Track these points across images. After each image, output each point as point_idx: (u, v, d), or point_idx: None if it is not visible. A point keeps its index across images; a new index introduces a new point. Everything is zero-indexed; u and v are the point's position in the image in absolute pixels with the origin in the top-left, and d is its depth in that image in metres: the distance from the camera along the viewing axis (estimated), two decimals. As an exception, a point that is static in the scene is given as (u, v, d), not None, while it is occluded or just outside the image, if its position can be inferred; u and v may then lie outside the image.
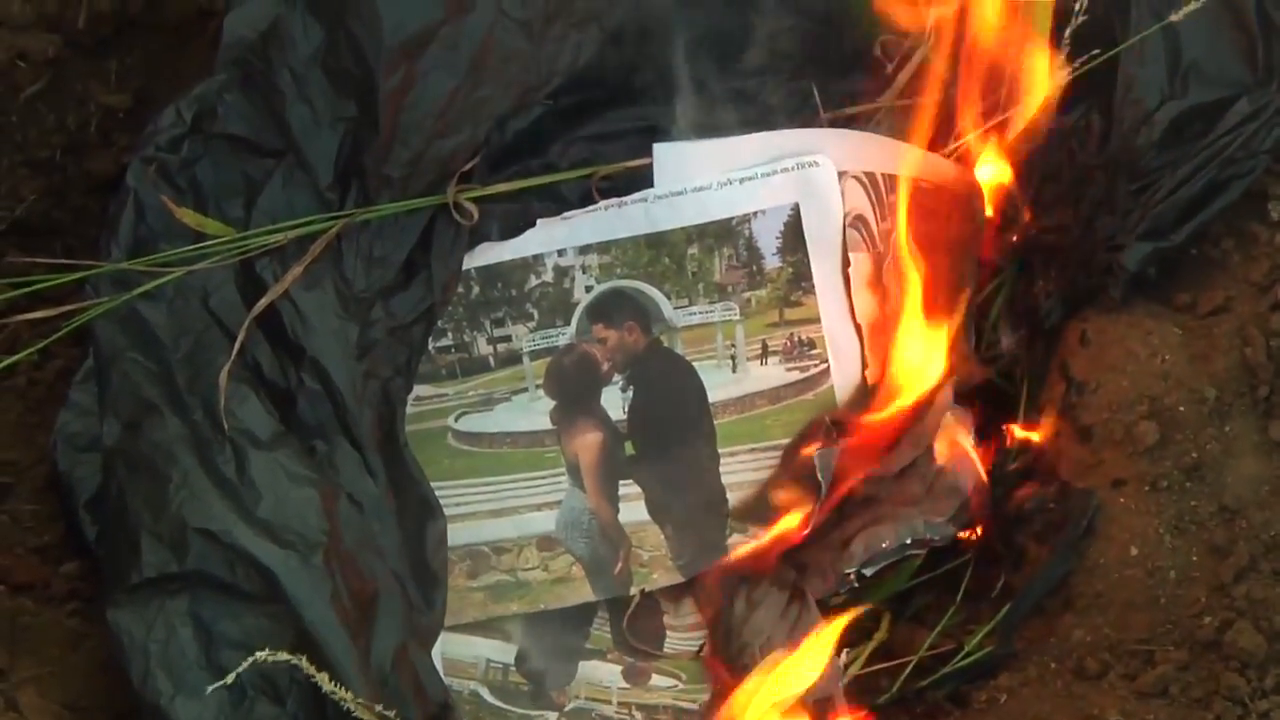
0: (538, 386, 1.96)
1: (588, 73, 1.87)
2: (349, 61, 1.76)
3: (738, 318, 2.00)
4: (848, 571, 1.92)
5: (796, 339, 1.99)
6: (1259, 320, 1.95)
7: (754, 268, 1.99)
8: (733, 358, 1.99)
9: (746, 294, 1.99)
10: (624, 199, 1.94)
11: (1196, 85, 1.97)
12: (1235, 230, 2.02)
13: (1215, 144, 1.97)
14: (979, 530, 1.98)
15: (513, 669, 1.94)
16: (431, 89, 1.77)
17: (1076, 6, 1.92)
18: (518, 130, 1.85)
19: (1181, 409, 1.92)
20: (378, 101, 1.75)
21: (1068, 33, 1.93)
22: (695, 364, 1.99)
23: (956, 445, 1.96)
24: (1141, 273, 1.99)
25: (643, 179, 1.94)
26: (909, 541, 1.92)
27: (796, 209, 1.98)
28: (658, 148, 1.93)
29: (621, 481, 1.98)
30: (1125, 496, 1.92)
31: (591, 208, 1.93)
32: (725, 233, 1.98)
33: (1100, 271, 2.00)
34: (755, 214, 1.98)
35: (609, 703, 1.95)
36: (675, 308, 1.98)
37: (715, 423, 1.98)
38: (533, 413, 1.96)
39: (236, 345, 1.73)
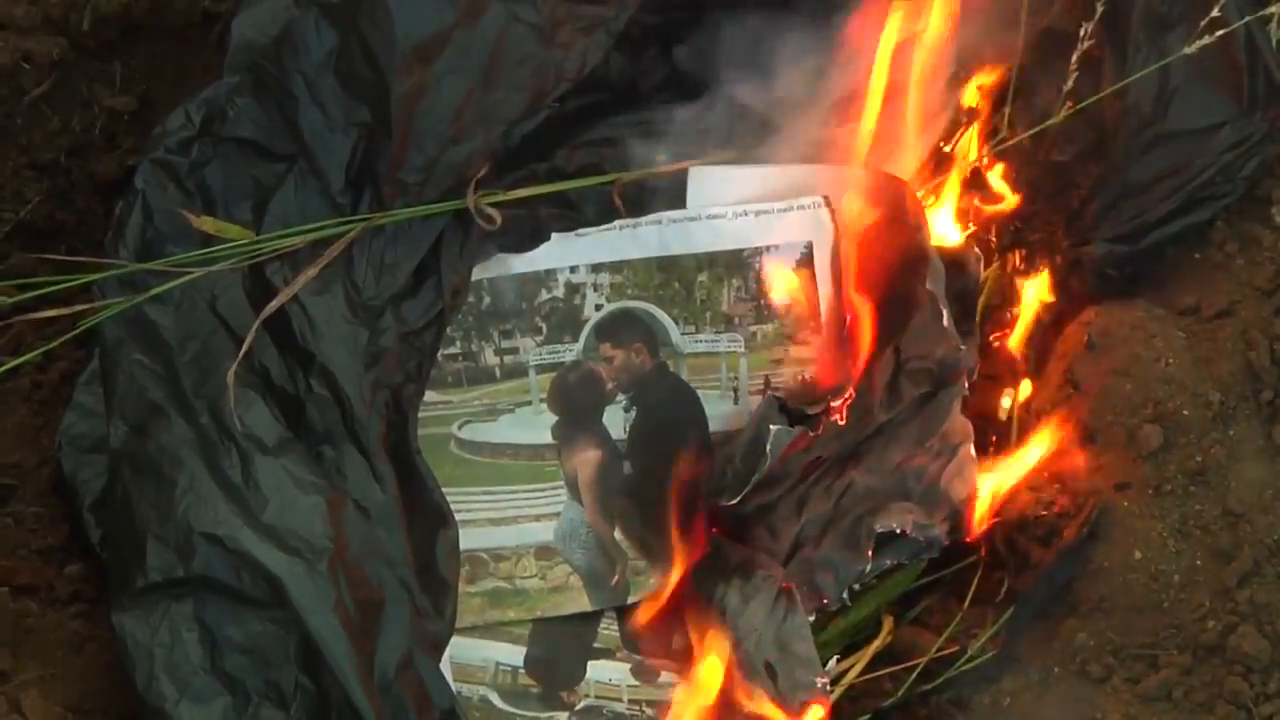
0: (542, 400, 1.96)
1: (594, 77, 1.86)
2: (361, 66, 1.75)
3: (742, 350, 1.99)
4: (857, 570, 1.92)
5: (801, 378, 1.99)
6: (1263, 324, 1.95)
7: (762, 301, 1.99)
8: (735, 390, 1.99)
9: (753, 327, 1.99)
10: (638, 220, 1.94)
11: (1182, 113, 2.00)
12: (1239, 234, 2.02)
13: (1196, 167, 1.99)
14: (970, 541, 1.98)
15: (522, 671, 1.94)
16: (445, 94, 1.76)
17: (1082, 33, 1.93)
18: (524, 135, 1.84)
19: (1185, 413, 1.93)
20: (390, 106, 1.74)
21: (1074, 57, 1.94)
22: (699, 392, 1.99)
23: (956, 454, 1.96)
24: (1103, 271, 2.03)
25: (656, 186, 1.93)
26: (898, 532, 1.92)
27: (810, 247, 1.97)
28: (692, 170, 1.93)
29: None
30: (1129, 500, 1.93)
31: (605, 226, 1.93)
32: (736, 263, 1.97)
33: (1067, 266, 2.03)
34: (767, 248, 1.98)
35: (619, 700, 1.95)
36: (683, 333, 1.98)
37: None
38: (535, 426, 1.96)
39: (244, 346, 1.72)
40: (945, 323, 1.91)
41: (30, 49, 2.01)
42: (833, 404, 1.91)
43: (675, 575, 1.95)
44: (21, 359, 1.84)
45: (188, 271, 1.75)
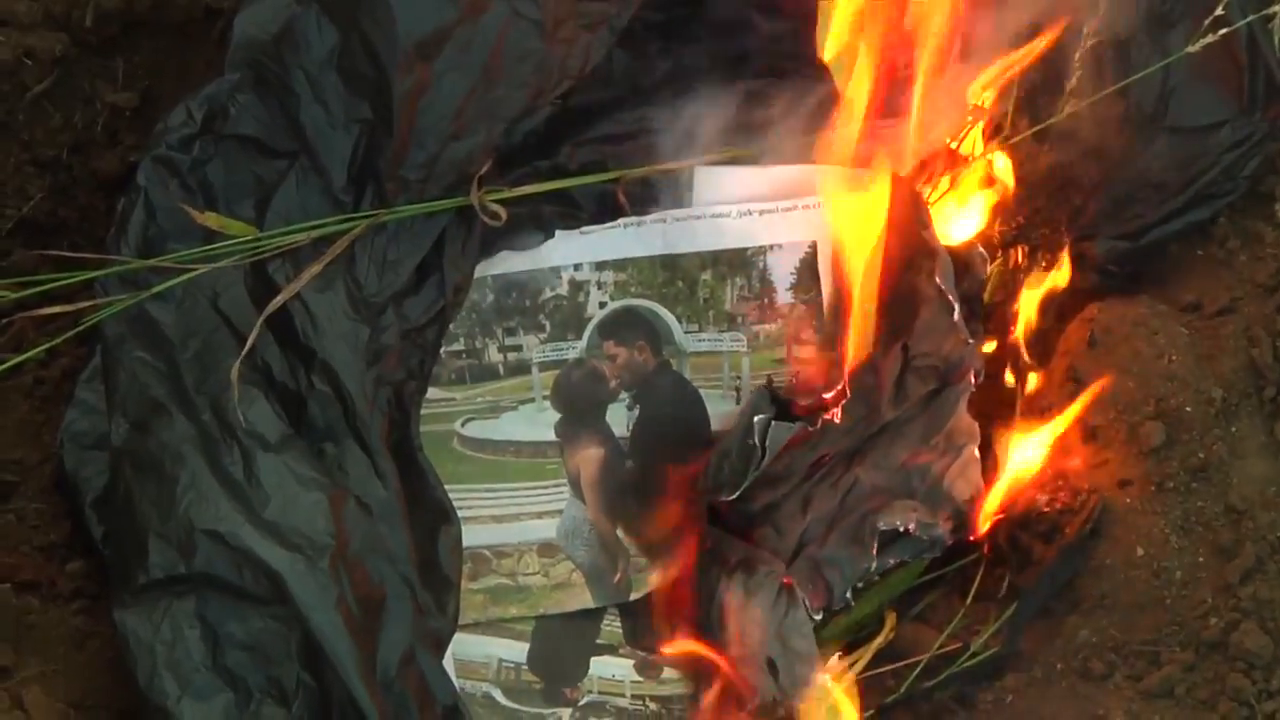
0: (545, 398, 1.96)
1: (597, 73, 1.86)
2: (363, 63, 1.75)
3: (745, 349, 1.99)
4: (862, 568, 1.92)
5: (798, 377, 1.99)
6: (1265, 321, 1.96)
7: (765, 301, 1.98)
8: (737, 389, 1.99)
9: (756, 327, 1.99)
10: (642, 218, 1.94)
11: (1183, 110, 2.01)
12: (1241, 231, 2.03)
13: (1197, 166, 1.99)
14: (974, 539, 1.98)
15: (525, 668, 1.94)
16: (446, 90, 1.76)
17: (1086, 30, 1.93)
18: (526, 131, 1.84)
19: (1188, 409, 1.93)
20: (392, 103, 1.74)
21: (1077, 56, 1.94)
22: (701, 391, 1.99)
23: (960, 454, 1.96)
24: (1105, 267, 2.04)
25: (660, 184, 1.93)
26: (900, 530, 1.92)
27: (814, 247, 1.97)
28: (698, 170, 1.93)
29: (621, 497, 1.99)
30: (1131, 497, 1.93)
31: (609, 224, 1.93)
32: (739, 262, 1.97)
33: (1069, 262, 2.04)
34: (771, 247, 1.97)
35: (623, 695, 1.95)
36: (686, 332, 1.98)
37: None
38: (538, 424, 1.96)
39: (249, 343, 1.72)
40: (955, 317, 1.91)
41: (32, 45, 2.01)
42: (825, 397, 1.91)
43: (676, 572, 1.95)
44: (24, 356, 1.83)
45: (190, 268, 1.75)
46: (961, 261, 1.96)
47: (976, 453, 1.96)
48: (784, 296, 1.98)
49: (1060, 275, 2.05)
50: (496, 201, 1.81)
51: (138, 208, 1.79)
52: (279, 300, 1.74)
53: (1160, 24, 1.99)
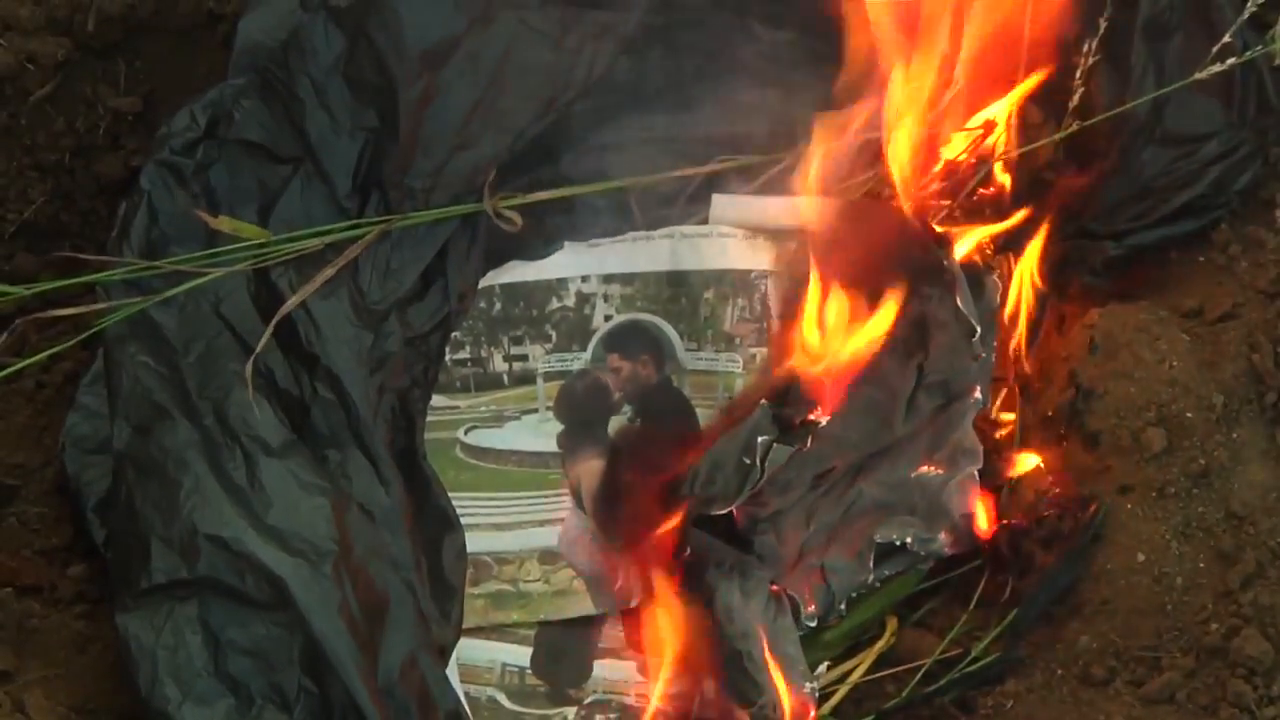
0: (548, 408, 1.96)
1: (600, 82, 1.86)
2: (370, 71, 1.75)
3: (739, 371, 1.99)
4: (859, 580, 1.92)
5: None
6: (1267, 327, 1.95)
7: (764, 324, 1.98)
8: None
9: (753, 349, 1.99)
10: (651, 233, 1.93)
11: (1175, 120, 2.01)
12: (1242, 237, 2.03)
13: (1187, 176, 2.00)
14: (972, 550, 1.98)
15: (528, 671, 1.93)
16: (454, 100, 1.76)
17: (1087, 47, 1.93)
18: (531, 140, 1.84)
19: (1189, 415, 1.92)
20: (399, 111, 1.74)
21: (1079, 74, 1.94)
22: (698, 410, 1.99)
23: (961, 470, 1.96)
24: (1096, 272, 2.05)
25: (670, 195, 1.93)
26: (898, 544, 1.92)
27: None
28: (716, 198, 1.93)
29: (621, 509, 1.98)
30: (1132, 503, 1.92)
31: (618, 237, 1.92)
32: (743, 284, 1.97)
33: (1061, 268, 2.04)
34: (772, 272, 1.97)
35: (628, 695, 1.95)
36: (686, 349, 1.98)
37: None
38: (541, 434, 1.96)
39: (258, 348, 1.72)
40: (975, 340, 1.91)
41: (34, 50, 2.01)
42: (813, 417, 1.90)
43: (675, 577, 1.94)
44: (27, 361, 1.83)
45: (196, 273, 1.75)
46: (974, 283, 1.95)
47: (976, 473, 1.96)
48: (779, 322, 1.98)
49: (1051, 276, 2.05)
50: (509, 208, 1.81)
51: (140, 211, 1.80)
52: (289, 305, 1.74)
53: (1158, 34, 1.99)
